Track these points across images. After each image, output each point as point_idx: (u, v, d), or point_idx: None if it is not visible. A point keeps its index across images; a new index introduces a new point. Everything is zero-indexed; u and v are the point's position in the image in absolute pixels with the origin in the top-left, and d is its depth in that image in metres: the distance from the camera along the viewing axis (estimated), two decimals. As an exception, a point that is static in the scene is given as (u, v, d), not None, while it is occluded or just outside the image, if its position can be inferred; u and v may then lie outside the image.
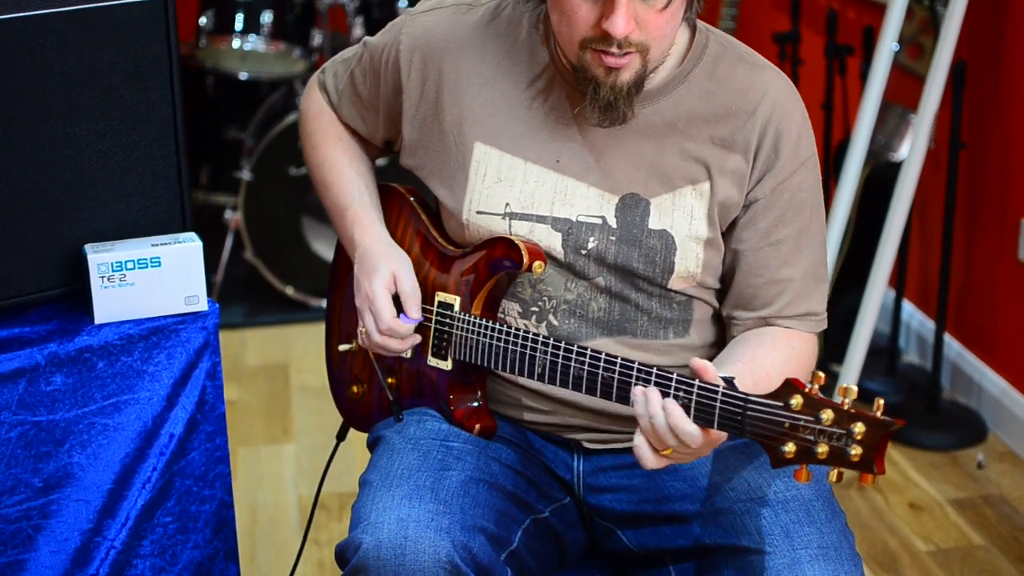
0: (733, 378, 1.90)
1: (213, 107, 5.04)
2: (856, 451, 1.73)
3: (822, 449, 1.75)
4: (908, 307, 4.36)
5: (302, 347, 4.53)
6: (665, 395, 1.89)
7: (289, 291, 4.73)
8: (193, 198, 4.84)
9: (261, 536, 3.48)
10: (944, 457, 3.82)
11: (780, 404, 1.79)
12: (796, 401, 1.77)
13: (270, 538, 3.47)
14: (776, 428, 1.79)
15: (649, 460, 1.92)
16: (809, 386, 1.78)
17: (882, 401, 1.73)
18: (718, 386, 1.85)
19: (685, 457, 1.94)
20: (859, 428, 1.73)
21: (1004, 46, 3.86)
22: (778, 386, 1.81)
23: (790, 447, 1.77)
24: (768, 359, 2.09)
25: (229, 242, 4.77)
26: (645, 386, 1.92)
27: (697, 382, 1.87)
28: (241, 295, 4.86)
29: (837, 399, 1.79)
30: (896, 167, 3.95)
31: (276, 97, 4.83)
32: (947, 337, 4.09)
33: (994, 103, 3.90)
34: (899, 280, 4.16)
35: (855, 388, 1.75)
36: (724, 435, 1.91)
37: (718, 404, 1.84)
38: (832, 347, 4.08)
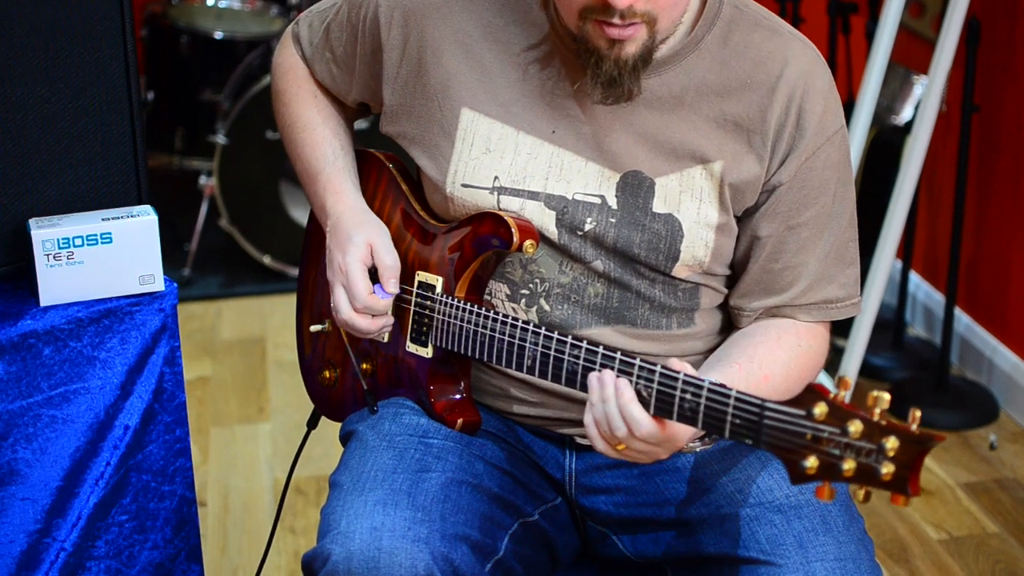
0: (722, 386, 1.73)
1: (187, 68, 4.90)
2: (888, 469, 1.53)
3: (848, 465, 1.55)
4: (915, 278, 4.19)
5: (280, 319, 4.39)
6: (669, 392, 1.71)
7: (267, 260, 4.63)
8: (167, 163, 4.86)
9: (233, 523, 3.32)
10: (954, 437, 3.65)
11: (802, 413, 1.59)
12: (820, 410, 1.57)
13: (243, 525, 3.31)
14: (796, 440, 1.59)
15: (600, 445, 1.78)
16: (834, 392, 1.58)
17: (918, 413, 1.53)
18: (730, 391, 1.66)
19: (640, 455, 1.77)
20: (892, 443, 1.53)
21: (1020, 3, 3.69)
22: (799, 392, 1.61)
23: (812, 462, 1.58)
24: (769, 359, 1.91)
25: (204, 209, 4.65)
26: (648, 385, 1.72)
27: (707, 383, 1.67)
28: (217, 265, 4.76)
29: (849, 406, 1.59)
30: (901, 130, 3.77)
31: (253, 57, 4.71)
32: (956, 310, 3.92)
33: (1009, 63, 3.74)
34: (906, 250, 4.01)
35: (887, 396, 1.55)
36: (687, 433, 1.76)
37: (730, 410, 1.65)
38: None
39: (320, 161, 2.14)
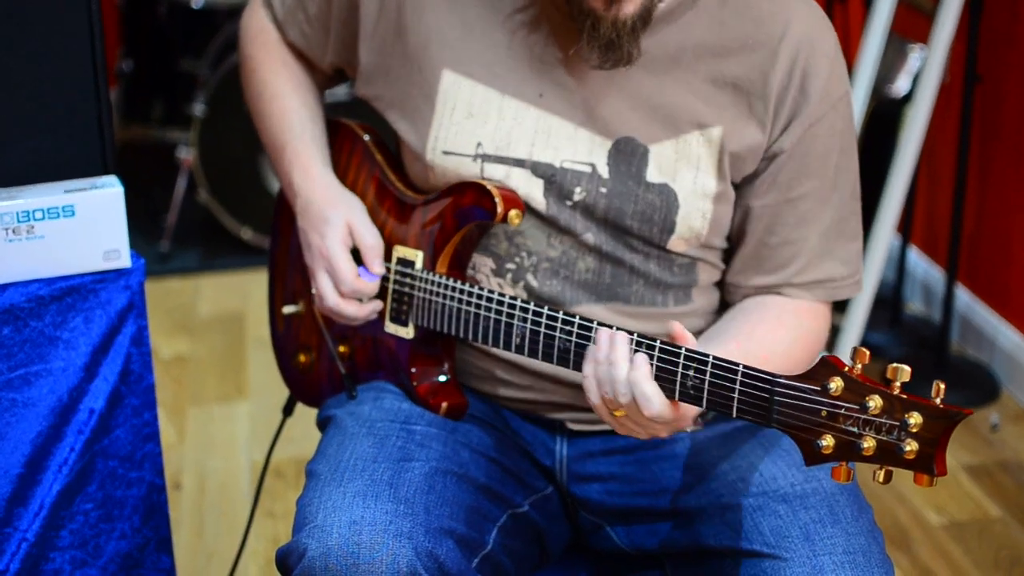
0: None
1: (166, 37, 4.82)
2: (911, 447, 1.43)
3: (868, 444, 1.45)
4: (913, 254, 4.08)
5: (260, 295, 4.23)
6: (670, 369, 1.59)
7: (246, 234, 4.49)
8: (145, 135, 4.76)
9: (210, 507, 3.21)
10: (955, 417, 3.53)
11: (816, 388, 1.48)
12: (836, 384, 1.47)
13: (219, 508, 3.21)
14: (811, 417, 1.49)
15: (595, 402, 1.67)
16: (850, 365, 1.47)
17: (943, 385, 1.43)
18: (737, 366, 1.54)
19: (636, 428, 1.66)
20: (915, 419, 1.43)
21: (1025, -31, 3.57)
22: (813, 366, 1.50)
23: (828, 441, 1.47)
24: (769, 339, 1.80)
25: (182, 182, 4.53)
26: (647, 361, 1.61)
27: (711, 359, 1.56)
28: (195, 239, 4.66)
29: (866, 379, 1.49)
30: (897, 102, 3.67)
31: (233, 27, 4.59)
32: (957, 287, 3.81)
33: (1013, 32, 3.63)
34: (905, 225, 3.90)
35: (907, 369, 1.44)
36: (693, 412, 1.65)
37: (737, 388, 1.53)
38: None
39: (286, 133, 2.04)
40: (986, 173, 3.78)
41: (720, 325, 1.87)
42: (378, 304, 1.94)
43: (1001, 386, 3.68)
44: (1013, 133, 3.65)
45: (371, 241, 1.92)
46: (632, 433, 1.68)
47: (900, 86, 3.82)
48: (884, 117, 3.81)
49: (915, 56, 3.80)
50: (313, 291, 1.96)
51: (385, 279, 1.93)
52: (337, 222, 1.92)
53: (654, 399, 1.60)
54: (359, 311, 1.93)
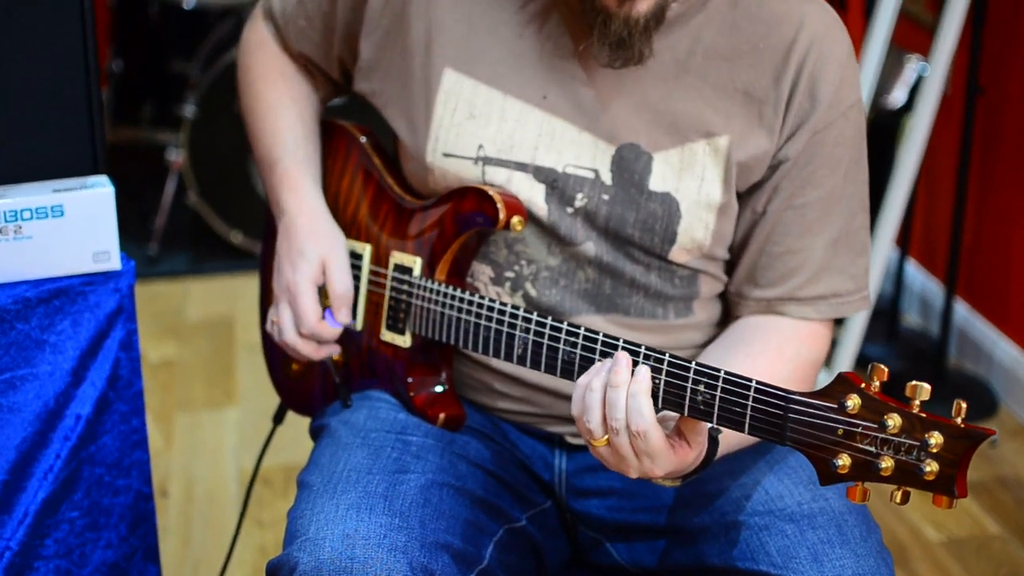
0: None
1: (157, 38, 4.81)
2: (931, 467, 1.38)
3: (886, 464, 1.40)
4: (911, 266, 4.05)
5: (250, 300, 4.23)
6: (680, 384, 1.55)
7: (236, 238, 4.46)
8: (134, 136, 4.70)
9: (197, 515, 3.17)
10: (952, 433, 3.49)
11: (832, 405, 1.44)
12: (853, 402, 1.42)
13: (207, 517, 3.17)
14: (827, 436, 1.44)
15: (576, 411, 1.59)
16: (868, 382, 1.43)
17: (964, 404, 1.38)
18: (750, 382, 1.50)
19: (613, 457, 1.59)
20: (936, 439, 1.38)
21: (1028, -21, 3.55)
22: (829, 383, 1.45)
23: (844, 460, 1.43)
24: (770, 373, 1.72)
25: (172, 184, 4.50)
26: (656, 376, 1.56)
27: (723, 374, 1.51)
28: (184, 242, 4.63)
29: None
30: (894, 114, 3.63)
31: (224, 28, 4.60)
32: (955, 300, 3.78)
33: (1015, 43, 3.59)
34: (903, 237, 3.87)
35: (927, 387, 1.40)
36: (678, 460, 1.58)
37: (750, 404, 1.49)
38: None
39: (279, 149, 1.99)
40: (986, 186, 3.75)
41: (721, 352, 1.81)
42: (335, 348, 1.92)
43: (999, 401, 3.65)
44: (1014, 145, 3.62)
45: (340, 291, 1.89)
46: (608, 461, 1.60)
47: (897, 97, 3.79)
48: (880, 127, 3.78)
49: (912, 67, 3.76)
50: (272, 318, 1.93)
51: (381, 286, 1.88)
52: (312, 258, 1.89)
53: (646, 412, 1.54)
54: (315, 353, 1.91)
